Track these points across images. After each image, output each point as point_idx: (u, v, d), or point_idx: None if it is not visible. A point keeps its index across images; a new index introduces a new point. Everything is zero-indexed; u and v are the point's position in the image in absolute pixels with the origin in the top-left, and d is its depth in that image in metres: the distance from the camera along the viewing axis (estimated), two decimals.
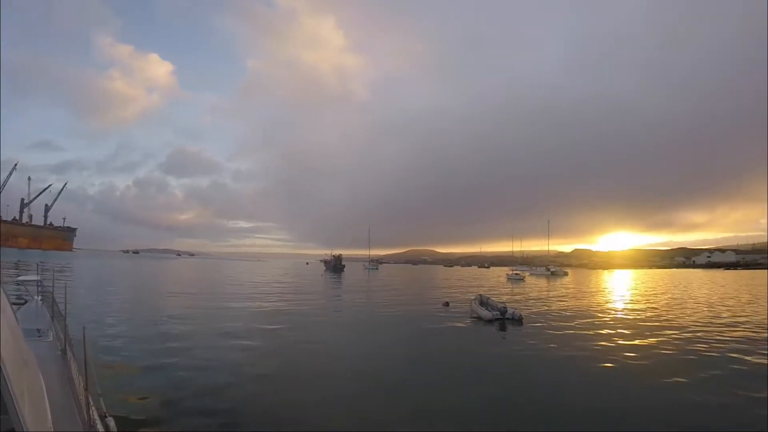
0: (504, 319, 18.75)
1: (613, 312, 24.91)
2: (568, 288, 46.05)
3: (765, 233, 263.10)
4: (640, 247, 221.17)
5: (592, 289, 44.18)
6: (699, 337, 16.37)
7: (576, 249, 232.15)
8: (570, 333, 17.15)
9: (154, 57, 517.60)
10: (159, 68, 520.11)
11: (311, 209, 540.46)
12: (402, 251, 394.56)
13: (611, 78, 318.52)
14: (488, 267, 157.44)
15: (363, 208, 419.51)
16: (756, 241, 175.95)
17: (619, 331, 17.97)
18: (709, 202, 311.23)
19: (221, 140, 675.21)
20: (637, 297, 35.35)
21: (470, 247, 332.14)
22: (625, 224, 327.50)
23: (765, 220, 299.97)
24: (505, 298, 27.68)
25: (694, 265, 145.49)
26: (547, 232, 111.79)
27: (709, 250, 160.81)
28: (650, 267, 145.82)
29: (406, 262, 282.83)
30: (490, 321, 18.63)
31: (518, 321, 18.61)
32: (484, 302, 21.98)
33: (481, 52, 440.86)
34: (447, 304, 25.26)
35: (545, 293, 38.62)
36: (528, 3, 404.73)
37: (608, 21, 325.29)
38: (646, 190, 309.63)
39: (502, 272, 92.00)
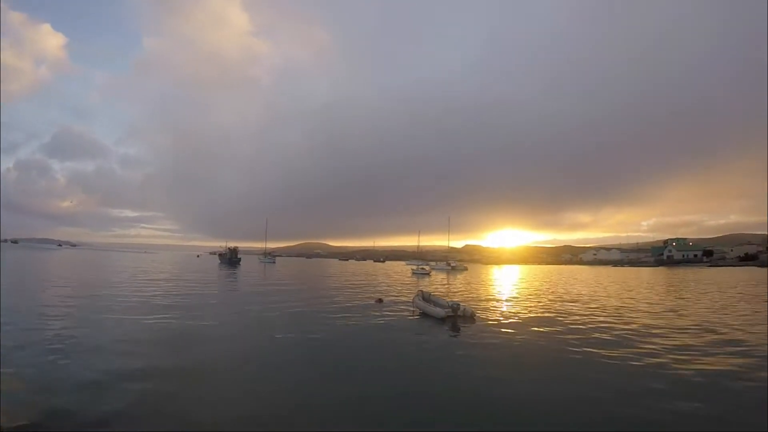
0: (456, 317, 16.06)
1: (559, 306, 21.36)
2: (481, 283, 42.39)
3: (644, 234, 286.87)
4: (527, 244, 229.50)
5: (505, 284, 40.86)
6: None
7: (467, 245, 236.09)
8: (537, 331, 14.33)
9: (46, 27, 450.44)
10: (51, 40, 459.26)
11: (201, 198, 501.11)
12: (294, 244, 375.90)
13: (517, 81, 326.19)
14: (383, 261, 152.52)
15: (256, 198, 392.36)
16: (635, 241, 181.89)
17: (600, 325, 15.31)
18: (595, 203, 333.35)
19: (110, 122, 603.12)
20: (565, 290, 32.12)
21: (362, 242, 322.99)
22: (514, 222, 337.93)
23: (645, 222, 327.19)
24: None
25: (581, 262, 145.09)
26: (447, 228, 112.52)
27: (595, 248, 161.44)
28: (539, 263, 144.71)
29: (299, 255, 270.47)
30: (442, 319, 15.73)
31: (470, 318, 16.24)
32: (427, 299, 19.14)
33: (393, 46, 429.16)
34: (380, 300, 21.61)
35: (468, 287, 35.02)
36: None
37: (521, 25, 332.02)
38: (537, 191, 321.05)
39: (399, 267, 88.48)
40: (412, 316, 17.28)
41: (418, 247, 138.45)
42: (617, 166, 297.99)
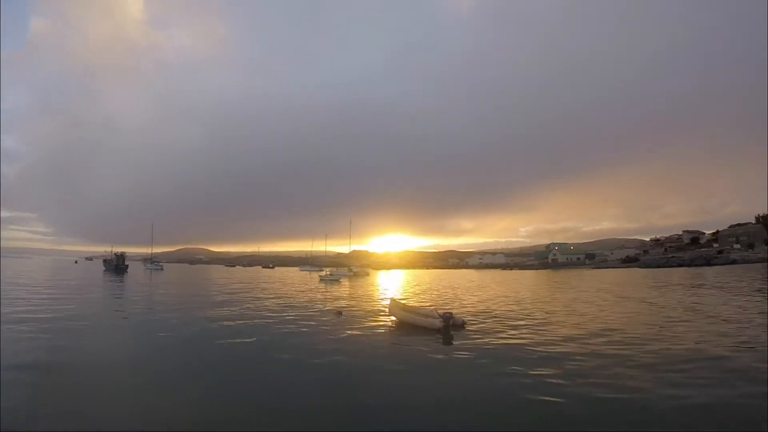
0: (449, 327, 13.89)
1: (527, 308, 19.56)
2: (401, 288, 39.43)
3: (522, 239, 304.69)
4: (411, 249, 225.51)
5: (430, 288, 38.41)
6: None
7: (354, 250, 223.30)
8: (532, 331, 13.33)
9: None
10: None
11: (78, 199, 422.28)
12: (174, 249, 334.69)
13: (417, 89, 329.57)
14: (273, 267, 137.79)
15: (137, 200, 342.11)
16: (513, 246, 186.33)
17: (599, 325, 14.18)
18: (479, 211, 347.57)
19: None
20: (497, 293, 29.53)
21: (245, 247, 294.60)
22: (398, 228, 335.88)
23: (524, 229, 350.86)
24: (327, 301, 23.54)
25: (468, 266, 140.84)
26: (349, 233, 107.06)
27: (480, 253, 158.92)
28: (427, 268, 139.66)
29: (179, 261, 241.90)
30: (438, 330, 13.57)
31: (461, 326, 14.23)
32: (407, 309, 16.69)
33: (301, 45, 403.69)
34: (340, 313, 18.51)
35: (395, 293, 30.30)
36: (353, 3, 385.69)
37: (424, 33, 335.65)
38: (423, 198, 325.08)
39: (293, 273, 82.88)
40: (391, 329, 14.59)
41: (325, 251, 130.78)
42: (502, 178, 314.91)
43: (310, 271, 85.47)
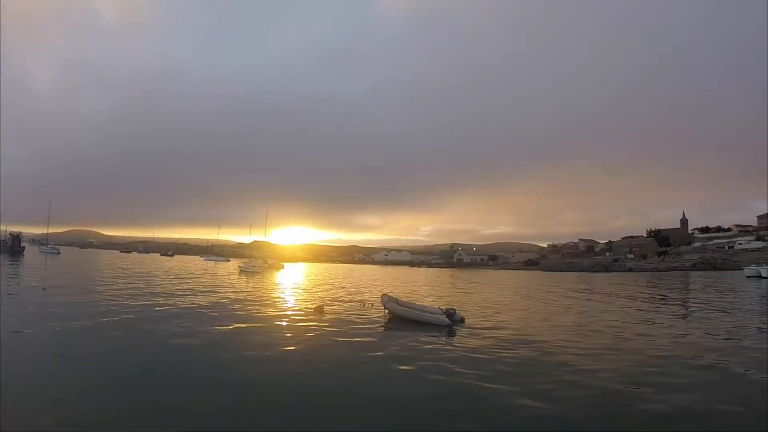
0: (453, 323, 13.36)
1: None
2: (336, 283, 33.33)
3: (423, 238, 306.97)
4: (312, 242, 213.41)
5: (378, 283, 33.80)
6: None
7: (255, 240, 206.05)
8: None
9: None
10: None
11: None
12: (61, 231, 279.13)
13: (337, 86, 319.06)
14: (172, 255, 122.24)
15: (34, 174, 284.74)
16: (413, 244, 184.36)
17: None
18: (384, 209, 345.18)
19: None
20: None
21: (139, 232, 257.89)
22: (303, 221, 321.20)
23: (425, 228, 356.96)
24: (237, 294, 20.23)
25: (373, 262, 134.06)
26: (265, 224, 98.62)
27: (386, 249, 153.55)
28: (332, 262, 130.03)
29: (68, 244, 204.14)
30: (446, 326, 12.92)
31: (461, 322, 13.60)
32: (403, 304, 15.13)
33: (226, 30, 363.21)
34: (321, 309, 15.97)
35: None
36: None
37: (357, 31, 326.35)
38: (329, 193, 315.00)
39: (196, 262, 74.50)
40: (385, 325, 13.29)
41: (252, 241, 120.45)
42: (409, 178, 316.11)
43: (215, 261, 76.11)
